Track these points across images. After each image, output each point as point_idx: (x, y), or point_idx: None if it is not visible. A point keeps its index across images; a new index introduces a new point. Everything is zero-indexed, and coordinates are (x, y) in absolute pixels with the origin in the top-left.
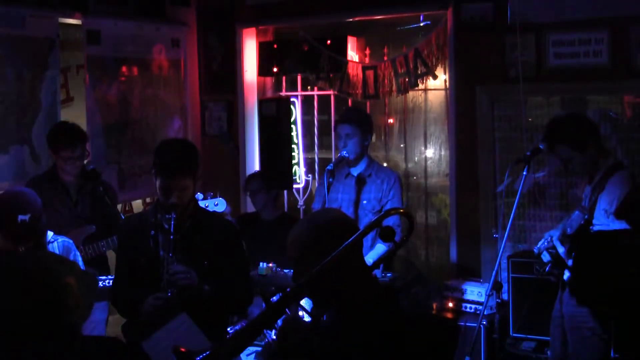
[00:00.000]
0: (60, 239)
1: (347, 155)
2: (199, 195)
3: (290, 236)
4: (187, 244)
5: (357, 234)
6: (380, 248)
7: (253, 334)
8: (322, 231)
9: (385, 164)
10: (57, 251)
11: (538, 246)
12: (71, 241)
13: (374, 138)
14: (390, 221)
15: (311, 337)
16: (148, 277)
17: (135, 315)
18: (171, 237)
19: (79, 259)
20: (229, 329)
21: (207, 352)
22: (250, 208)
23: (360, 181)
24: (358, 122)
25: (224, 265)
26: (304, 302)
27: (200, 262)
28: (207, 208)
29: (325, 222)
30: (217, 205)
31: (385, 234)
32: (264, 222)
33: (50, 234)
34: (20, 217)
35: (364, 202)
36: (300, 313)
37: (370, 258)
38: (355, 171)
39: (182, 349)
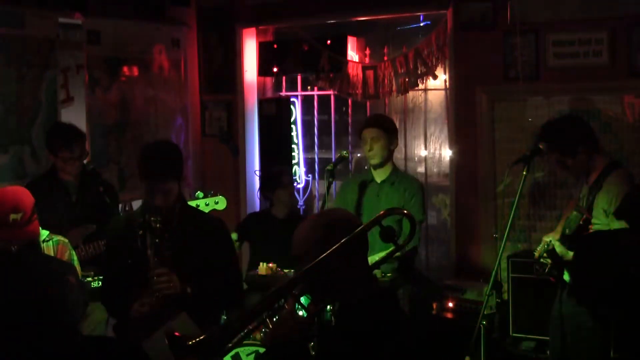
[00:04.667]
0: (55, 237)
1: (347, 155)
2: (199, 194)
3: (295, 234)
4: (175, 242)
5: (356, 231)
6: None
7: (246, 323)
8: (326, 231)
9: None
10: (51, 250)
11: (537, 249)
12: (66, 240)
13: None
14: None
15: (305, 333)
16: (137, 277)
17: (125, 316)
18: (156, 240)
19: (75, 258)
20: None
21: (200, 338)
22: (249, 208)
23: (383, 188)
24: (384, 126)
25: (213, 261)
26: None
27: (189, 260)
28: (207, 206)
29: (331, 222)
30: (217, 203)
31: (386, 234)
32: (276, 219)
33: (45, 233)
34: (12, 216)
35: None
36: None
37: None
38: (379, 177)
39: (177, 333)
